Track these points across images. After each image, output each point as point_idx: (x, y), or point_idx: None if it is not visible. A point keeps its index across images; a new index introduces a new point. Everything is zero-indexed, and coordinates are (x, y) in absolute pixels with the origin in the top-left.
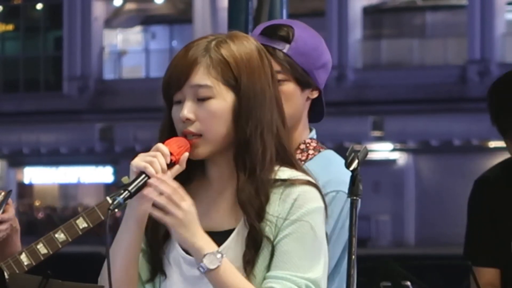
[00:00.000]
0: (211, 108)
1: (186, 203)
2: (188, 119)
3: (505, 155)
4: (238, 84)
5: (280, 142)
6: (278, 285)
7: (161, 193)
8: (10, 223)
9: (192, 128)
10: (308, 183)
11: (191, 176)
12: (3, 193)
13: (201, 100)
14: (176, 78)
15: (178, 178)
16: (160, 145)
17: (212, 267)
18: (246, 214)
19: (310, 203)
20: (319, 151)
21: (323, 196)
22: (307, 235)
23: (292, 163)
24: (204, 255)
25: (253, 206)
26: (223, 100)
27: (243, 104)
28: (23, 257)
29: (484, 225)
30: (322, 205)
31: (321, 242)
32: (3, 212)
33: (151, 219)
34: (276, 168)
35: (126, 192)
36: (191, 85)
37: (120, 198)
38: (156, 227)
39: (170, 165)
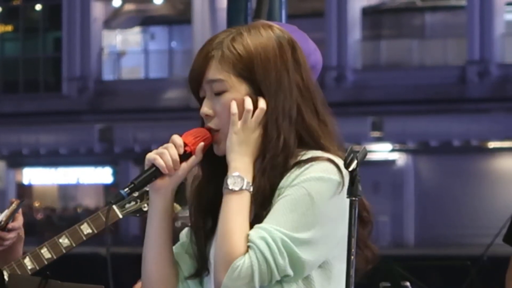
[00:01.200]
0: (225, 101)
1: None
2: (207, 115)
3: (504, 156)
4: (251, 74)
5: (305, 128)
6: (252, 231)
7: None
8: (18, 232)
9: (212, 124)
10: (326, 159)
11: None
12: (15, 202)
13: (217, 94)
14: (195, 75)
15: (220, 178)
16: (174, 136)
17: (231, 187)
18: (253, 202)
19: (316, 173)
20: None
21: (341, 173)
22: (300, 199)
23: (322, 147)
24: (234, 175)
25: (258, 192)
26: (237, 93)
27: (257, 93)
28: (27, 261)
29: None
30: (333, 177)
31: (319, 212)
32: (13, 221)
33: (198, 215)
34: (302, 153)
35: (131, 184)
36: (206, 81)
37: (123, 191)
38: (201, 225)
39: (186, 156)
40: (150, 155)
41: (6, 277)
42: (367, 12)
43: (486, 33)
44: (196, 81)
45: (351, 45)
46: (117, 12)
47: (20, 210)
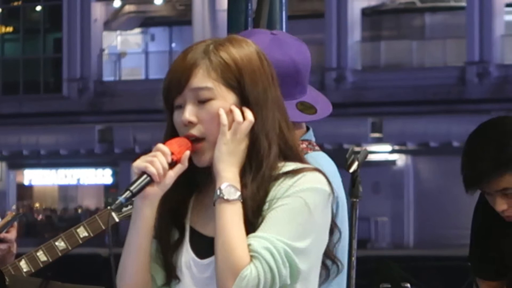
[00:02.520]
0: (212, 109)
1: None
2: (190, 122)
3: None
4: (240, 85)
5: (284, 141)
6: (255, 242)
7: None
8: (9, 245)
9: (195, 131)
10: (315, 169)
11: (199, 183)
12: (10, 214)
13: (202, 102)
14: (176, 82)
15: (187, 186)
16: (160, 145)
17: (227, 197)
18: (244, 210)
19: (309, 183)
20: (307, 153)
21: (330, 184)
22: (299, 209)
23: (298, 160)
24: (227, 184)
25: (253, 202)
26: (224, 101)
27: (246, 104)
28: (23, 264)
29: (486, 237)
30: (326, 189)
31: (315, 222)
32: (6, 232)
33: (163, 224)
34: (281, 164)
35: (128, 192)
36: (191, 88)
37: (121, 198)
38: (168, 232)
39: (172, 164)
40: (140, 164)
41: (6, 278)
42: (366, 13)
43: (486, 34)
44: (177, 89)
45: (351, 46)
46: (117, 13)
47: (15, 224)
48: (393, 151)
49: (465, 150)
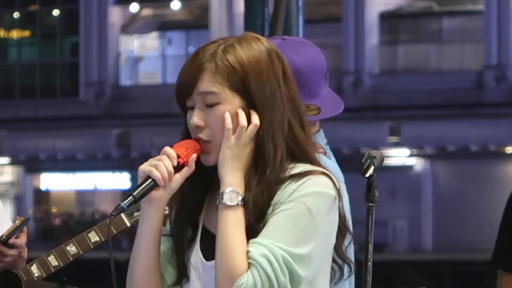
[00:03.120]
0: (218, 113)
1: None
2: (198, 126)
3: None
4: (246, 88)
5: (294, 141)
6: (253, 248)
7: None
8: (20, 251)
9: (203, 135)
10: (321, 173)
11: (214, 182)
12: (19, 219)
13: (209, 106)
14: (185, 86)
15: (204, 186)
16: (166, 148)
17: (228, 203)
18: (246, 212)
19: (313, 188)
20: None
21: (336, 187)
22: (300, 214)
23: (311, 160)
24: (229, 190)
25: (256, 206)
26: (230, 105)
27: (253, 107)
28: (34, 269)
29: None
30: (331, 192)
31: (318, 227)
32: (16, 238)
33: (179, 223)
34: (291, 165)
35: (131, 197)
36: (198, 92)
37: (123, 203)
38: (184, 231)
39: (179, 168)
40: (145, 167)
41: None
42: (384, 17)
43: (504, 37)
44: (187, 92)
45: (369, 50)
46: (134, 17)
47: (24, 229)
48: (411, 156)
49: None
